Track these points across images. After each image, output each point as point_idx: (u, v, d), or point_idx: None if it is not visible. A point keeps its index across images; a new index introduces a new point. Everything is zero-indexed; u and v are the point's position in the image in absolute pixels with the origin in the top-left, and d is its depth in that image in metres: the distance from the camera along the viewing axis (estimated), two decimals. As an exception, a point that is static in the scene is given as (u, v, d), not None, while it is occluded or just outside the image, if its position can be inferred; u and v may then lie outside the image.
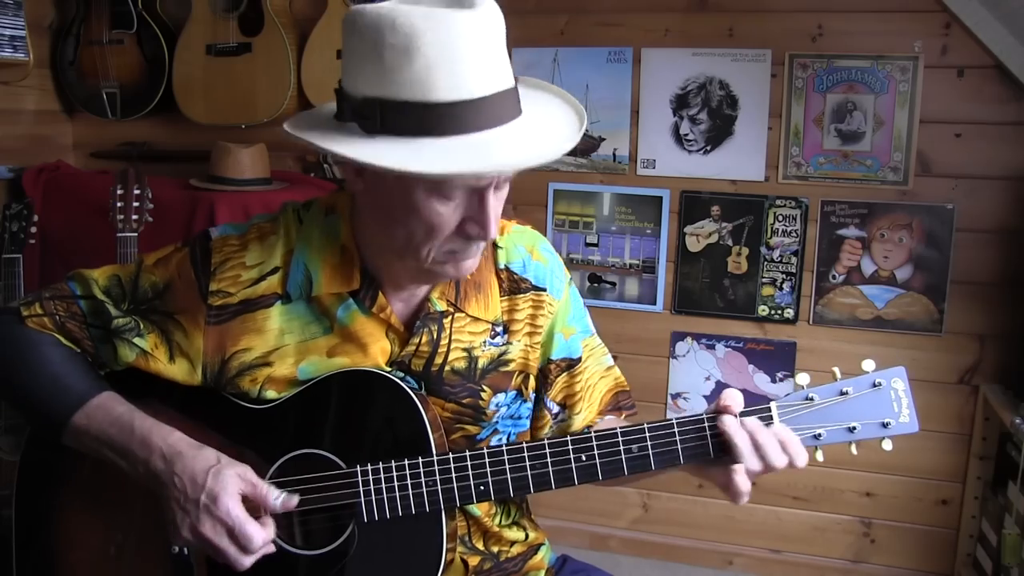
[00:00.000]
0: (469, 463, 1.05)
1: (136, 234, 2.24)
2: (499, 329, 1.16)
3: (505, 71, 0.98)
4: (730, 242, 2.58)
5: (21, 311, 1.14)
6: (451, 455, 1.06)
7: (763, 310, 2.57)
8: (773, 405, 1.04)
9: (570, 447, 1.05)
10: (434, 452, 1.06)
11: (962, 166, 2.38)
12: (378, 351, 1.11)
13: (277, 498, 1.04)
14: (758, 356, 2.59)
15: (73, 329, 1.14)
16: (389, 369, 1.11)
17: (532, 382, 1.20)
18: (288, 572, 1.07)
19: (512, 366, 1.17)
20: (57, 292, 1.16)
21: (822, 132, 2.46)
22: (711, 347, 2.64)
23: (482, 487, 1.05)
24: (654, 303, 2.67)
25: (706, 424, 1.04)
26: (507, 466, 1.05)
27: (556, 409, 1.22)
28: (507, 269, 1.18)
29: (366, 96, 0.95)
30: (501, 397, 1.16)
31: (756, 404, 1.05)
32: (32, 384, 1.11)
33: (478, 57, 0.94)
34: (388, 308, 1.11)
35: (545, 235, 1.41)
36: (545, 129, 1.02)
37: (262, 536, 1.01)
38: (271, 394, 1.11)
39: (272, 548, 1.04)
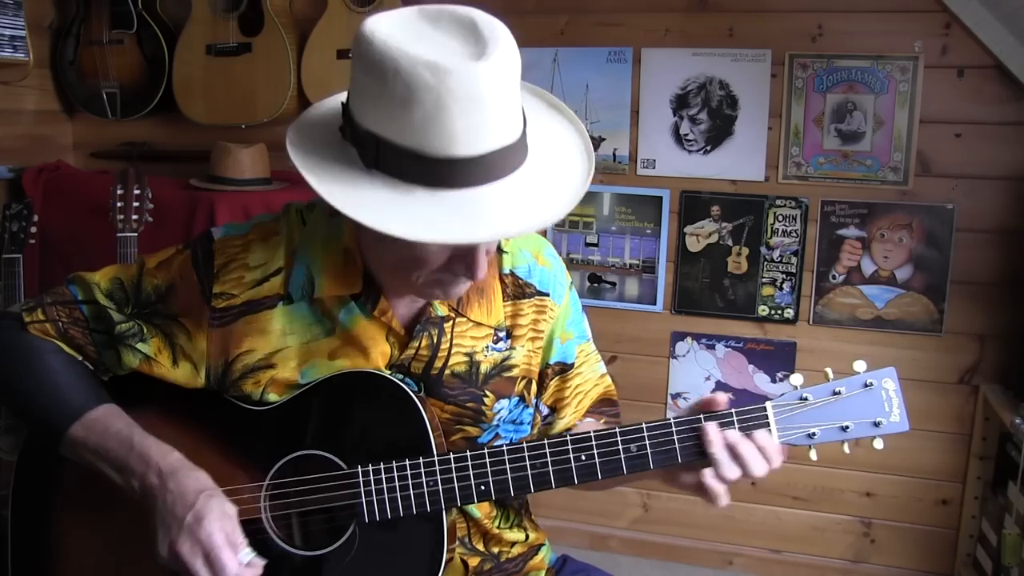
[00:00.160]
0: (470, 463, 1.05)
1: (136, 234, 2.25)
2: (502, 334, 1.16)
3: (512, 122, 0.94)
4: (730, 242, 2.58)
5: (23, 317, 1.14)
6: (452, 455, 1.06)
7: (763, 310, 2.57)
8: (769, 405, 1.05)
9: (570, 447, 1.05)
10: (435, 453, 1.06)
11: (962, 166, 2.38)
12: (379, 355, 1.11)
13: (248, 553, 1.01)
14: (758, 356, 2.59)
15: (76, 335, 1.14)
16: (389, 372, 1.11)
17: (534, 387, 1.20)
18: (289, 573, 1.07)
19: (515, 372, 1.16)
20: (59, 297, 1.16)
21: (822, 132, 2.46)
22: (711, 347, 2.63)
23: (483, 487, 1.05)
24: (654, 303, 2.67)
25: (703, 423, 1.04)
26: (507, 465, 1.05)
27: (546, 411, 1.23)
28: (512, 274, 1.18)
29: (367, 129, 0.92)
30: (504, 403, 1.16)
31: (754, 404, 1.05)
32: (32, 393, 1.11)
33: (481, 115, 0.89)
34: (389, 312, 1.11)
35: (545, 235, 1.41)
36: (548, 181, 0.97)
37: (235, 570, 0.99)
38: (273, 396, 1.11)
39: None
